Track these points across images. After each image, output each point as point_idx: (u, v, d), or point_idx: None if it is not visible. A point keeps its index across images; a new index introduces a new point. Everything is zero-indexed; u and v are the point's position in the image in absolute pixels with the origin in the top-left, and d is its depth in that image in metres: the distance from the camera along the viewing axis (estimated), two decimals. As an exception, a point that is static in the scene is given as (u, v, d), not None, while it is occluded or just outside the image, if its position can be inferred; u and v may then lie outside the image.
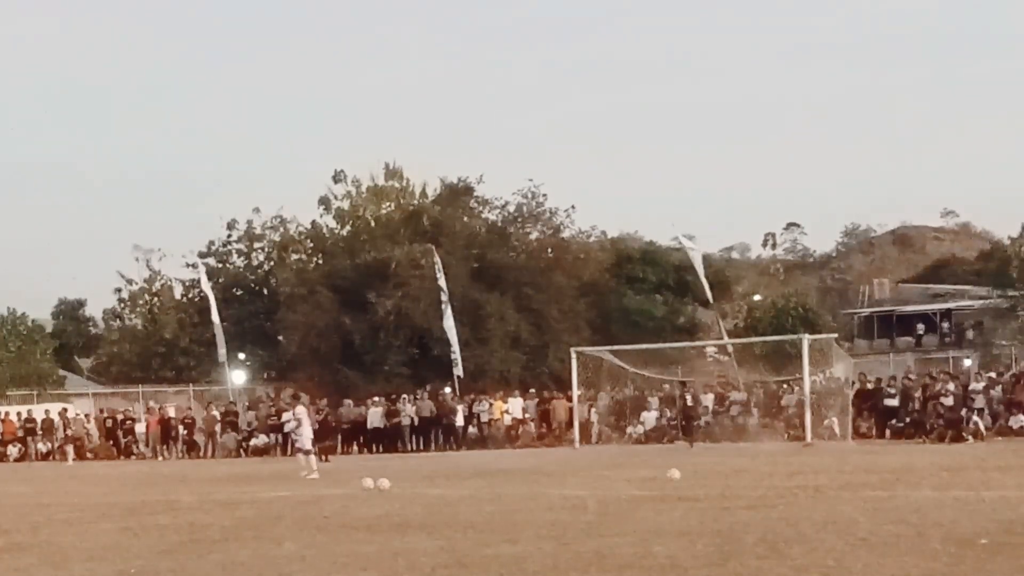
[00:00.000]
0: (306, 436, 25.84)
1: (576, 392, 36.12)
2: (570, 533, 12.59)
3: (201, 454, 39.90)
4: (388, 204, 52.88)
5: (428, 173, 53.79)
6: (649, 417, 37.24)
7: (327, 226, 53.14)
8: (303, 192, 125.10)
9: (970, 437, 30.37)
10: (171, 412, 41.37)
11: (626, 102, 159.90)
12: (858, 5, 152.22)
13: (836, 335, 42.90)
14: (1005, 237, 64.32)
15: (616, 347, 38.80)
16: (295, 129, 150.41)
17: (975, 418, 31.67)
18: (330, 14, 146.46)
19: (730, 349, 45.79)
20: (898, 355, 58.91)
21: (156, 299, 58.55)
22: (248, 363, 53.28)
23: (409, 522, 14.36)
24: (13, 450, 40.36)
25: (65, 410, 41.74)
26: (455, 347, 42.00)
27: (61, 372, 56.22)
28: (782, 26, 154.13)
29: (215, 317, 47.80)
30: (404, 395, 39.73)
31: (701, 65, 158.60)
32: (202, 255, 54.70)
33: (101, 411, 43.75)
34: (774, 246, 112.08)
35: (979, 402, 33.07)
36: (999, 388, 34.26)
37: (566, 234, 50.20)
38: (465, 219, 49.91)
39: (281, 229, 54.77)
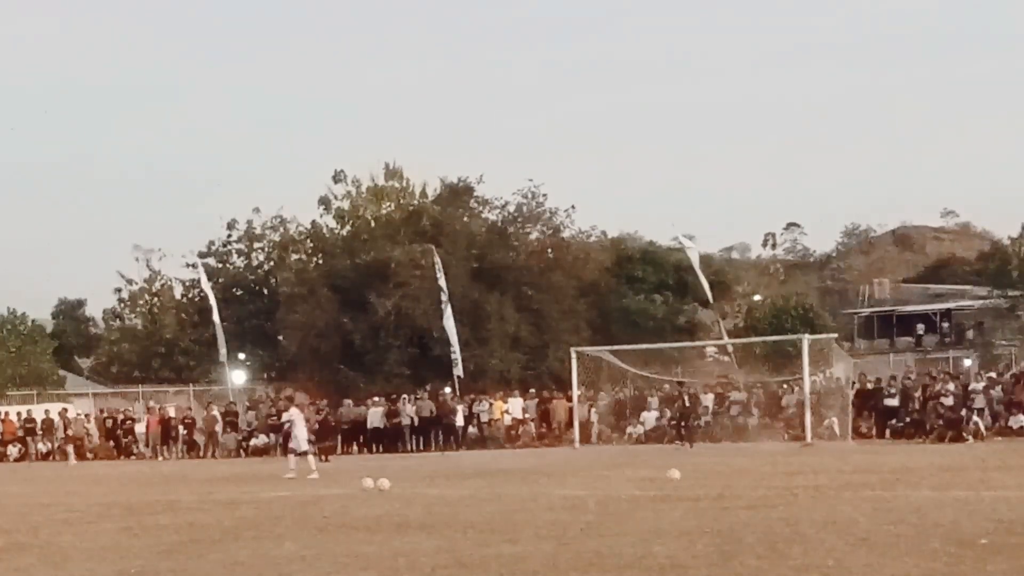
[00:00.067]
0: (301, 438, 25.81)
1: (576, 392, 36.13)
2: (570, 533, 12.59)
3: (201, 454, 39.90)
4: (388, 204, 52.87)
5: (428, 173, 53.86)
6: (649, 417, 37.25)
7: (327, 226, 53.15)
8: (303, 192, 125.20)
9: (970, 437, 30.38)
10: (171, 412, 41.39)
11: (626, 102, 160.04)
12: (858, 5, 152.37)
13: (836, 335, 42.90)
14: (1005, 237, 64.40)
15: (616, 347, 38.79)
16: (295, 129, 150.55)
17: (975, 418, 31.68)
18: (330, 14, 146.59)
19: (730, 349, 45.88)
20: (898, 355, 58.94)
21: (156, 299, 58.60)
22: (248, 363, 53.30)
23: (409, 522, 14.36)
24: (13, 450, 40.38)
25: (65, 410, 41.75)
26: (455, 347, 42.00)
27: (61, 372, 56.23)
28: (782, 26, 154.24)
29: (216, 317, 47.86)
30: (404, 395, 39.74)
31: (701, 65, 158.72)
32: (202, 255, 54.73)
33: (101, 411, 43.77)
34: (774, 246, 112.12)
35: (979, 402, 33.07)
36: (999, 388, 34.26)
37: (566, 234, 50.19)
38: (465, 219, 49.87)
39: (281, 229, 54.79)
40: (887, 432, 33.56)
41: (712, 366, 47.92)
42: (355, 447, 39.25)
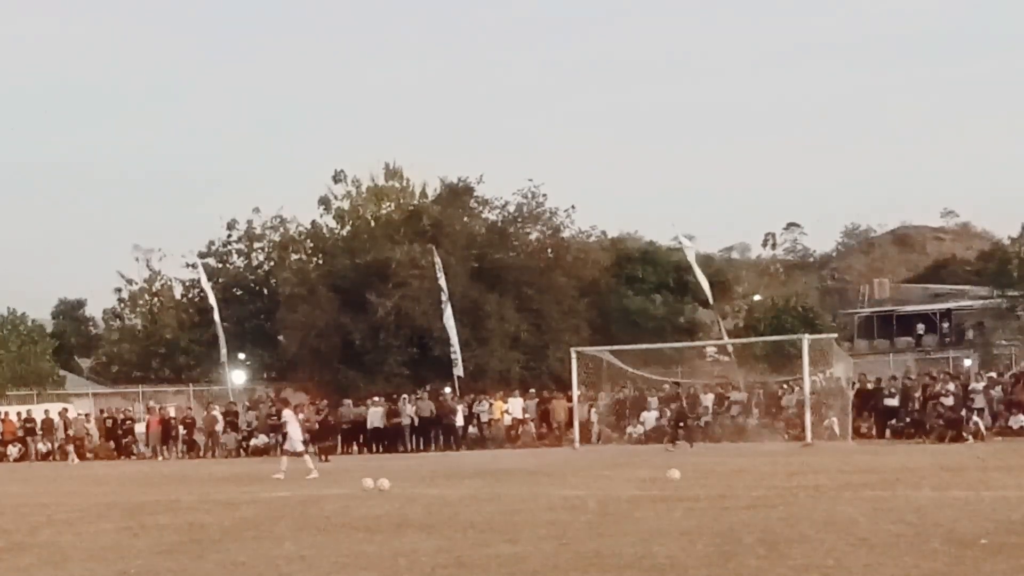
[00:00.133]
0: (295, 438, 25.84)
1: (576, 392, 36.12)
2: (570, 533, 12.59)
3: (201, 454, 39.90)
4: (388, 204, 52.88)
5: (428, 173, 53.88)
6: (649, 417, 37.23)
7: (327, 226, 53.15)
8: (303, 192, 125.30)
9: (970, 437, 30.36)
10: (171, 412, 41.39)
11: (626, 102, 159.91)
12: (858, 5, 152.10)
13: (836, 335, 42.94)
14: (1005, 237, 64.44)
15: (616, 347, 38.78)
16: (295, 129, 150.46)
17: (975, 418, 31.66)
18: (330, 14, 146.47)
19: (730, 349, 45.87)
20: (898, 355, 58.87)
21: (156, 299, 58.55)
22: (248, 363, 53.30)
23: (409, 522, 14.36)
24: (13, 450, 40.38)
25: (66, 410, 41.73)
26: (455, 346, 42.00)
27: (61, 372, 56.20)
28: (782, 26, 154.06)
29: (217, 317, 47.89)
30: (404, 395, 39.74)
31: (701, 65, 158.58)
32: (202, 255, 54.73)
33: (101, 411, 43.77)
34: (774, 246, 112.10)
35: (979, 402, 33.06)
36: (999, 388, 34.26)
37: (566, 234, 50.19)
38: (465, 219, 49.87)
39: (281, 229, 54.80)
40: (887, 432, 33.55)
41: (712, 366, 47.94)
42: (355, 447, 39.25)
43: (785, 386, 36.39)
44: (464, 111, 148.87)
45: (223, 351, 47.12)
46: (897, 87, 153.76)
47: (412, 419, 38.58)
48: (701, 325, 53.76)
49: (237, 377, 50.42)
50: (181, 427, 40.60)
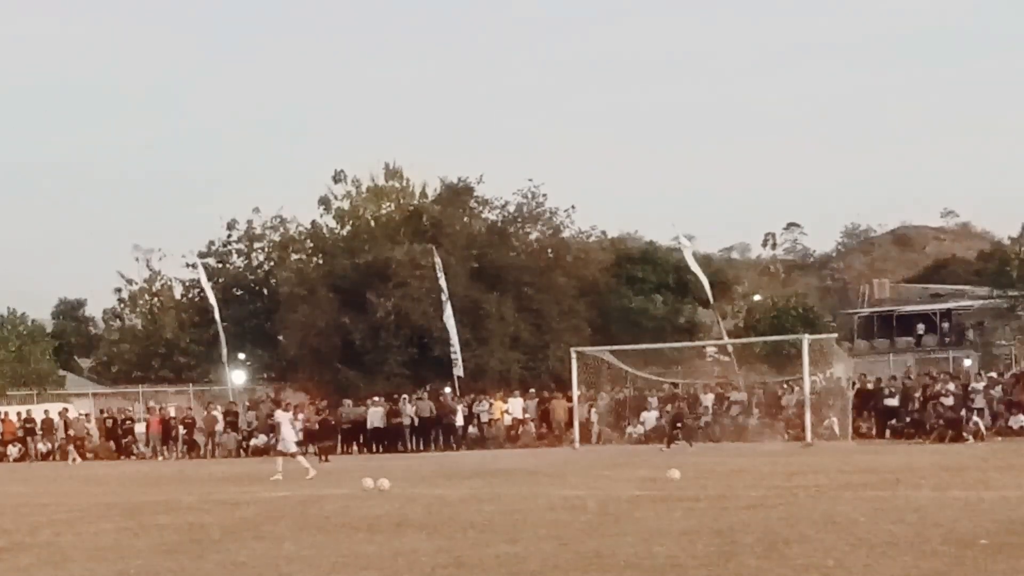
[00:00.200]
0: (288, 439, 25.90)
1: (576, 392, 36.12)
2: (570, 533, 12.59)
3: (201, 454, 39.90)
4: (388, 204, 52.86)
5: (428, 173, 53.83)
6: (649, 417, 37.24)
7: (327, 226, 53.13)
8: (303, 192, 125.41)
9: (970, 437, 30.35)
10: (171, 412, 41.39)
11: (626, 102, 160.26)
12: (858, 5, 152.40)
13: (836, 335, 42.94)
14: (1005, 237, 64.50)
15: (616, 347, 38.78)
16: (295, 129, 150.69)
17: (975, 418, 31.65)
18: (330, 14, 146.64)
19: (730, 349, 45.83)
20: (898, 355, 58.87)
21: (156, 299, 58.56)
22: (248, 363, 53.30)
23: (409, 522, 14.36)
24: (13, 450, 40.39)
25: (66, 410, 41.73)
26: (455, 345, 41.98)
27: (61, 372, 56.23)
28: (782, 26, 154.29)
29: (217, 317, 47.90)
30: (404, 395, 39.73)
31: (701, 65, 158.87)
32: (202, 255, 54.70)
33: (101, 411, 43.77)
34: (774, 246, 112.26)
35: (979, 402, 33.05)
36: (999, 388, 34.25)
37: (566, 234, 50.18)
38: (465, 219, 49.86)
39: (281, 229, 54.78)
40: (887, 432, 33.54)
41: (712, 366, 47.91)
42: (355, 447, 39.24)
43: (785, 386, 36.38)
44: (464, 111, 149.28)
45: (223, 351, 47.12)
46: (897, 87, 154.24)
47: (412, 419, 38.58)
48: (701, 325, 53.75)
49: (237, 377, 50.43)
50: (181, 427, 40.59)
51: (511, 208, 49.53)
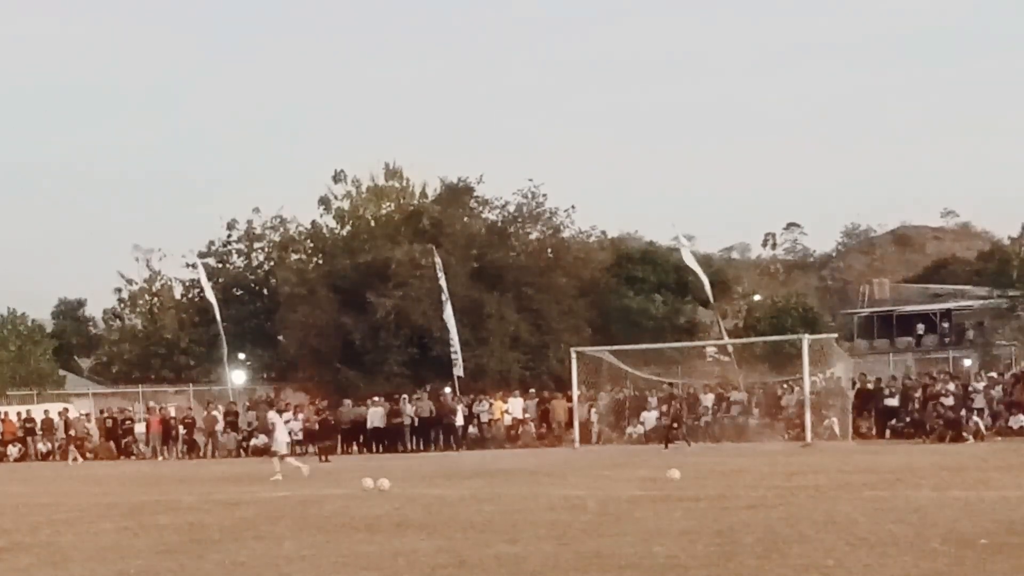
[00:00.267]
0: (281, 440, 26.00)
1: (576, 392, 36.12)
2: (570, 533, 12.60)
3: (201, 454, 39.90)
4: (388, 204, 52.86)
5: (428, 173, 53.82)
6: (649, 417, 37.23)
7: (327, 226, 53.13)
8: (303, 192, 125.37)
9: (970, 437, 30.37)
10: (171, 412, 41.38)
11: (626, 102, 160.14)
12: (858, 5, 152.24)
13: (836, 335, 42.94)
14: (1005, 237, 64.54)
15: (616, 347, 38.78)
16: (295, 129, 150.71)
17: (975, 418, 31.67)
18: (330, 14, 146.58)
19: (730, 349, 45.83)
20: (898, 355, 58.90)
21: (156, 299, 58.56)
22: (248, 363, 53.29)
23: (409, 522, 14.36)
24: (13, 450, 40.38)
25: (66, 410, 41.73)
26: (455, 344, 41.96)
27: (61, 372, 56.22)
28: (782, 26, 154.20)
29: (217, 317, 47.90)
30: (404, 395, 39.72)
31: (701, 65, 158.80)
32: (202, 255, 54.70)
33: (101, 411, 43.76)
34: (774, 246, 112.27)
35: (979, 402, 33.08)
36: (999, 388, 34.25)
37: (566, 234, 50.13)
38: (465, 219, 49.84)
39: (281, 229, 54.79)
40: (887, 432, 33.54)
41: (712, 366, 47.91)
42: (355, 447, 39.23)
43: (785, 386, 36.38)
44: (464, 111, 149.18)
45: (223, 351, 47.11)
46: (897, 87, 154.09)
47: (412, 419, 38.57)
48: (701, 325, 53.75)
49: (237, 377, 50.43)
50: (181, 427, 40.57)
51: (511, 208, 49.53)
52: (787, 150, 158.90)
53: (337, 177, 53.08)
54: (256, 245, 55.47)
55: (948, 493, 16.11)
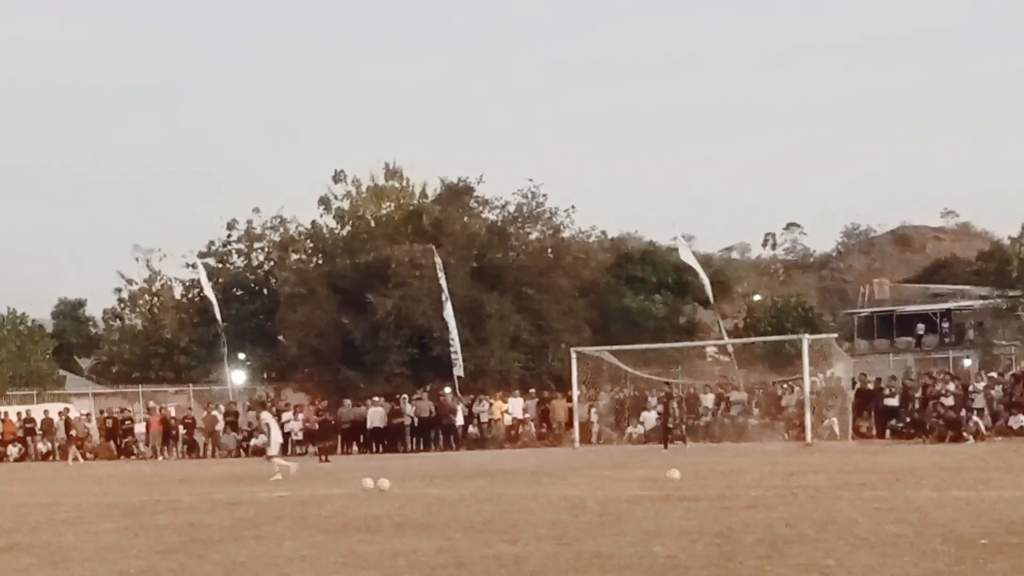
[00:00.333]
0: (274, 442, 26.12)
1: (576, 392, 36.11)
2: (570, 533, 12.59)
3: (201, 454, 39.90)
4: (388, 204, 52.87)
5: (428, 173, 53.86)
6: (649, 417, 37.21)
7: (327, 226, 53.14)
8: (303, 192, 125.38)
9: (970, 437, 30.37)
10: (171, 412, 41.39)
11: (626, 102, 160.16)
12: (858, 5, 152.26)
13: (836, 335, 42.93)
14: (1005, 237, 64.40)
15: (616, 347, 38.78)
16: (295, 129, 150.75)
17: (975, 418, 31.68)
18: (330, 14, 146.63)
19: (730, 349, 45.82)
20: (898, 355, 58.91)
21: (156, 299, 58.58)
22: (248, 363, 53.29)
23: (409, 522, 14.36)
24: (13, 450, 40.38)
25: (67, 410, 41.73)
26: (455, 344, 41.95)
27: (61, 372, 56.24)
28: (782, 26, 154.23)
29: (217, 317, 47.90)
30: (404, 395, 39.72)
31: (701, 65, 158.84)
32: (202, 255, 54.71)
33: (101, 411, 43.77)
34: (774, 246, 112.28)
35: (979, 402, 33.08)
36: (999, 388, 34.25)
37: (566, 234, 50.11)
38: (465, 219, 49.83)
39: (281, 229, 54.80)
40: (887, 432, 33.54)
41: (712, 366, 47.92)
42: (355, 447, 39.23)
43: (785, 386, 36.37)
44: (464, 111, 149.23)
45: (223, 351, 47.10)
46: (897, 87, 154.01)
47: (412, 419, 38.57)
48: (701, 325, 53.75)
49: (237, 377, 50.43)
50: (181, 427, 40.59)
51: (511, 208, 49.51)
52: (787, 150, 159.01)
53: (337, 177, 53.13)
54: (256, 245, 55.48)
55: (948, 493, 16.11)
